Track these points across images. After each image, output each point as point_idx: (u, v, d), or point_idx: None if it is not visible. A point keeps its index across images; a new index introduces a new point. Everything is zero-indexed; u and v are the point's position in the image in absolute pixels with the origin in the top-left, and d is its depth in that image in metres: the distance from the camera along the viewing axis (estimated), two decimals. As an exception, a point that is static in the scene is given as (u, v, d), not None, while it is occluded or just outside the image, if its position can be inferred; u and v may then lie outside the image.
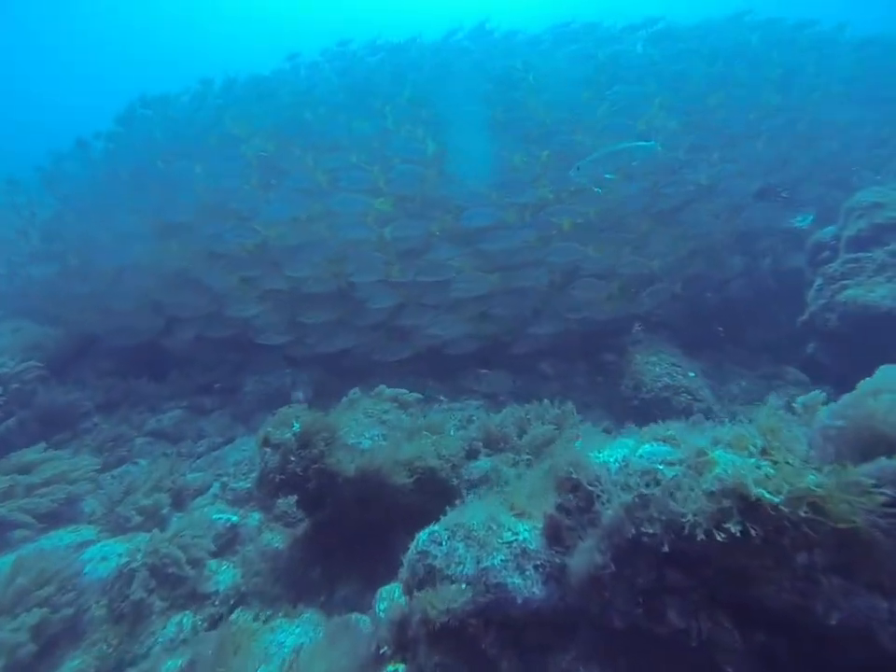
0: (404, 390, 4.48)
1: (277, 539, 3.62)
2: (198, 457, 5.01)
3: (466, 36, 8.73)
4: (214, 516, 3.61)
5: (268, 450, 3.21)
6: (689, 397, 4.98)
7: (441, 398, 5.73)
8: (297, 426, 3.20)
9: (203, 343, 6.75)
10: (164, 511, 3.73)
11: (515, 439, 4.00)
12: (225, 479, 4.36)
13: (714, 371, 6.47)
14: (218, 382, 6.43)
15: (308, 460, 3.05)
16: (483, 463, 3.53)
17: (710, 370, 6.45)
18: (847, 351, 5.06)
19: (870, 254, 4.83)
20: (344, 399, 4.40)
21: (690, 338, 6.69)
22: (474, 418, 5.24)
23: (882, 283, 4.60)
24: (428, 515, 2.30)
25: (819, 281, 5.32)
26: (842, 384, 5.05)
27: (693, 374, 5.23)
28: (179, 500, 3.94)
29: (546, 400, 4.79)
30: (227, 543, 3.46)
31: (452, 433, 3.70)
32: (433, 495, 3.19)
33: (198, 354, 6.97)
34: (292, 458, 3.06)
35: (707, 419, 5.10)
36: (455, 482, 3.28)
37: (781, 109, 7.22)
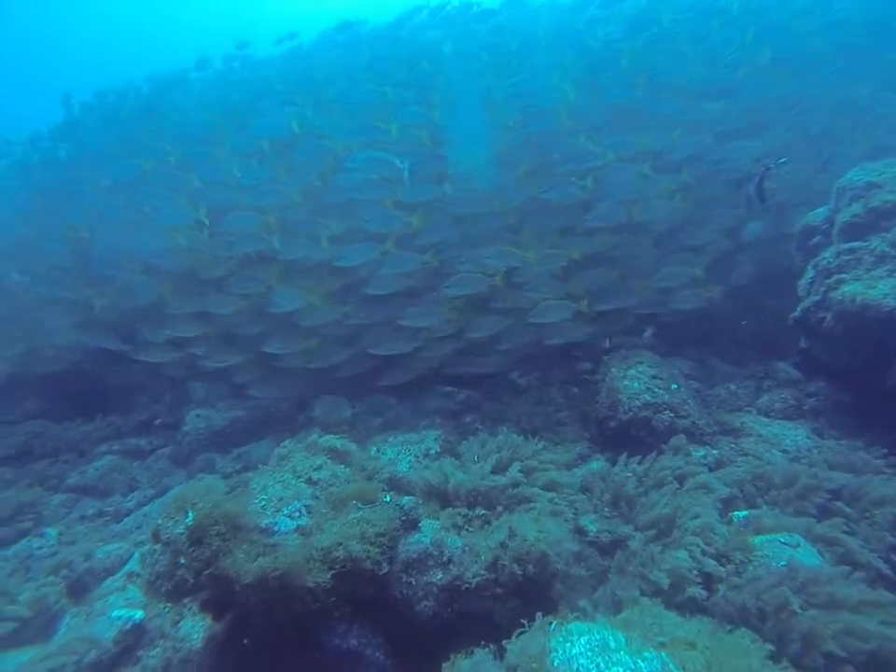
0: (340, 440, 3.90)
1: (195, 632, 3.10)
2: (126, 515, 4.45)
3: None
4: (114, 613, 3.07)
5: (158, 547, 2.65)
6: (671, 414, 4.42)
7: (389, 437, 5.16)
8: (190, 516, 2.62)
9: (147, 370, 6.16)
10: (56, 607, 3.17)
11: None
12: (146, 548, 3.81)
13: (699, 370, 5.92)
14: (159, 417, 5.85)
15: (200, 562, 2.48)
16: (424, 536, 2.98)
17: (695, 369, 5.91)
18: (845, 347, 4.52)
19: (867, 243, 4.22)
20: (276, 451, 3.84)
21: (676, 336, 6.16)
22: (432, 452, 4.69)
23: (883, 277, 4.00)
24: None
25: (810, 273, 4.72)
26: (841, 379, 4.50)
27: (675, 386, 4.66)
28: (81, 587, 3.39)
29: (514, 435, 4.25)
30: (127, 649, 2.92)
31: (387, 499, 3.13)
32: (358, 584, 2.66)
33: (143, 384, 6.39)
34: (182, 561, 2.50)
35: (691, 438, 4.68)
36: (386, 567, 2.73)
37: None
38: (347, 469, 3.74)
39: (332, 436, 4.06)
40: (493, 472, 3.70)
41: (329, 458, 3.75)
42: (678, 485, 3.73)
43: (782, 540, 2.75)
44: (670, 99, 6.30)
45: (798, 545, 2.72)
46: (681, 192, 5.44)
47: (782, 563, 2.58)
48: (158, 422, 5.69)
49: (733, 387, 5.27)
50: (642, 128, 5.90)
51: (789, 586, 2.37)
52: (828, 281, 4.35)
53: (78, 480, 4.68)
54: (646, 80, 6.42)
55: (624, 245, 5.42)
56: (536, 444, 4.23)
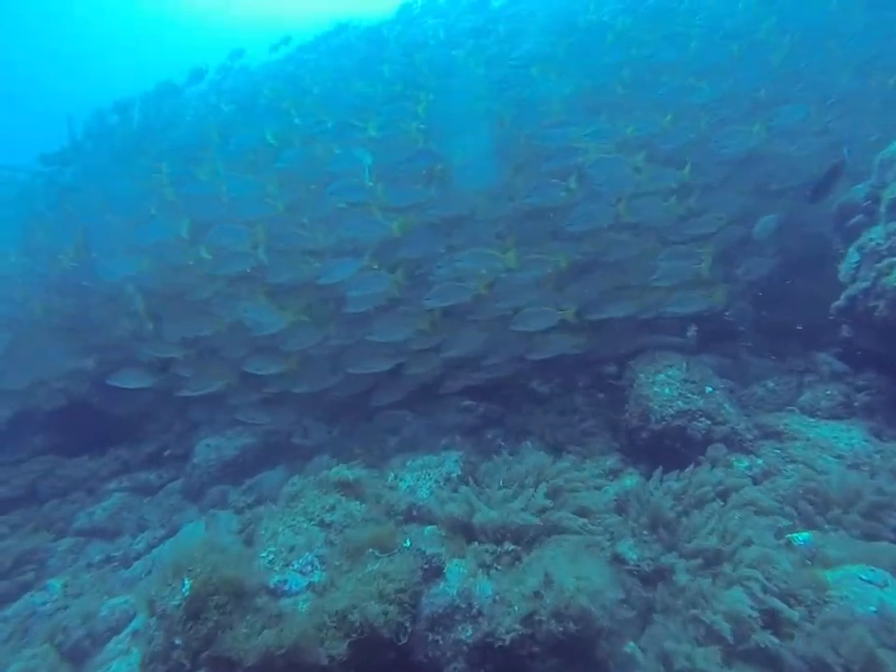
0: (352, 470, 3.60)
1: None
2: (136, 558, 4.23)
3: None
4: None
5: (153, 621, 2.38)
6: (707, 421, 4.05)
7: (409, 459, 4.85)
8: (187, 585, 2.35)
9: (155, 398, 5.95)
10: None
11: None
12: (142, 618, 3.57)
13: (731, 367, 5.50)
14: (169, 447, 5.63)
15: (197, 641, 2.20)
16: (450, 585, 2.68)
17: (727, 366, 5.49)
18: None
19: (921, 221, 3.80)
20: (285, 490, 3.57)
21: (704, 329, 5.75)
22: (453, 475, 4.38)
23: (942, 259, 3.58)
24: None
25: (854, 257, 4.29)
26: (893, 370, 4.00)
27: (710, 389, 4.28)
28: (80, 653, 3.14)
29: (539, 454, 3.92)
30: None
31: (407, 544, 2.83)
32: (378, 651, 2.36)
33: (151, 412, 6.19)
34: (178, 641, 2.22)
35: (731, 446, 4.29)
36: (408, 630, 2.43)
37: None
38: (363, 506, 3.45)
39: (344, 466, 3.79)
40: (518, 498, 3.40)
41: (342, 494, 3.46)
42: (721, 503, 3.38)
43: (864, 577, 2.37)
44: (661, 79, 5.68)
45: (886, 584, 2.33)
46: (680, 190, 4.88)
47: (871, 608, 2.21)
48: (167, 453, 5.47)
49: (770, 384, 4.86)
50: (631, 112, 5.33)
51: (882, 640, 2.01)
52: (878, 265, 3.92)
53: (86, 522, 4.47)
54: (635, 58, 5.85)
55: (618, 247, 4.84)
56: (562, 462, 3.91)
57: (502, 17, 7.15)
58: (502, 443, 4.98)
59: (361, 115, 5.18)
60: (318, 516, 3.16)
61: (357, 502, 3.45)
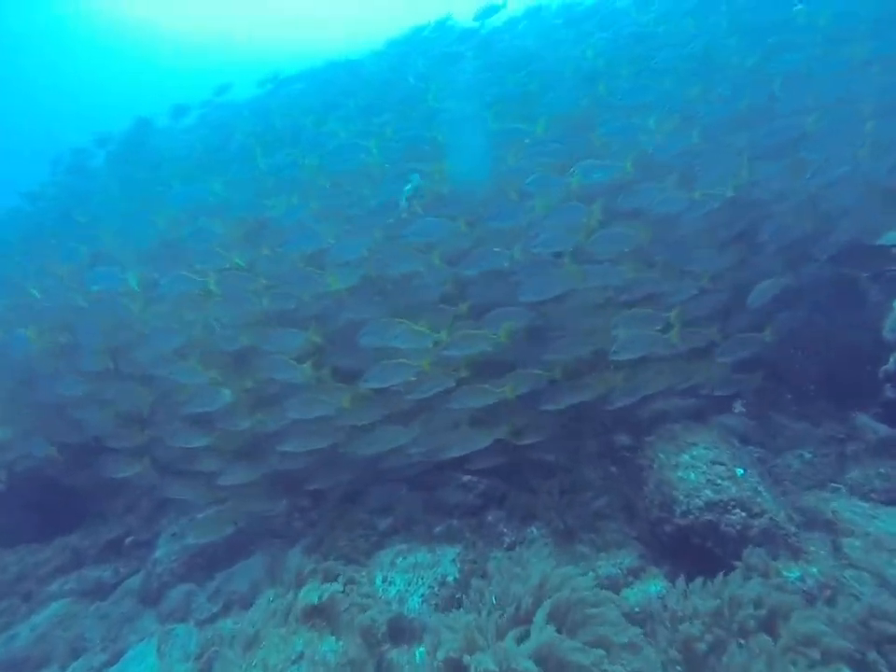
0: (326, 588, 3.00)
1: None
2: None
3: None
4: None
5: None
6: (742, 514, 3.44)
7: (402, 545, 4.23)
8: None
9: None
10: None
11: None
12: None
13: (759, 429, 4.91)
14: (133, 532, 5.01)
15: None
16: None
17: (753, 429, 4.90)
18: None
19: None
20: (242, 629, 2.96)
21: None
22: (449, 579, 3.76)
23: None
24: None
25: (899, 312, 3.76)
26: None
27: (741, 471, 3.69)
28: None
29: (545, 565, 3.32)
30: None
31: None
32: None
33: (118, 482, 5.59)
34: None
35: (772, 542, 3.65)
36: None
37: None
38: (339, 643, 2.84)
39: (316, 585, 3.19)
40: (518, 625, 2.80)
41: (311, 629, 2.86)
42: (767, 636, 2.76)
43: None
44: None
45: None
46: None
47: None
48: (129, 540, 4.85)
49: (807, 455, 4.26)
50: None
51: None
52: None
53: (2, 653, 3.75)
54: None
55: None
56: (572, 569, 3.32)
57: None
58: (505, 530, 4.38)
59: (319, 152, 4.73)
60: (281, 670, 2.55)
61: (332, 638, 2.84)
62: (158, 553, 4.44)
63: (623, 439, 4.81)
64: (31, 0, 18.45)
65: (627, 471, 4.49)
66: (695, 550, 3.49)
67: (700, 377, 4.25)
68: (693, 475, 3.65)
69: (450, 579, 3.73)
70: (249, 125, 5.63)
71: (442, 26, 6.24)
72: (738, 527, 3.41)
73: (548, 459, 5.06)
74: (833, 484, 3.92)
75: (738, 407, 4.98)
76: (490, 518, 4.51)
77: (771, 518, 3.46)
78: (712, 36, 5.25)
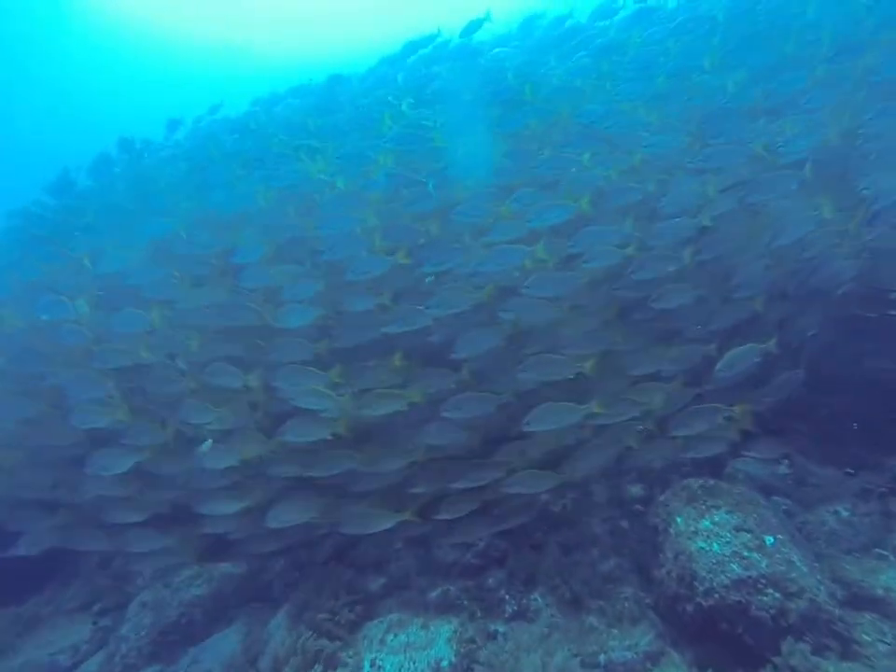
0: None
1: None
2: None
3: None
4: None
5: None
6: (776, 595, 2.94)
7: (393, 615, 3.77)
8: None
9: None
10: None
11: None
12: None
13: (784, 476, 4.42)
14: (101, 598, 4.56)
15: None
16: None
17: (779, 477, 4.40)
18: None
19: None
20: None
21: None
22: (444, 665, 3.29)
23: None
24: None
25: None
26: None
27: (771, 540, 3.20)
28: None
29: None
30: None
31: None
32: None
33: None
34: None
35: (814, 630, 2.93)
36: None
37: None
38: None
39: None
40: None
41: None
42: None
43: None
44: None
45: None
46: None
47: None
48: (97, 608, 4.40)
49: (843, 512, 3.75)
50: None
51: None
52: None
53: None
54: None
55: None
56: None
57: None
58: (506, 596, 3.90)
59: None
60: None
61: None
62: (124, 629, 3.99)
63: (634, 489, 4.33)
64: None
65: (640, 529, 4.01)
66: (723, 636, 2.99)
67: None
68: (716, 546, 3.16)
69: (444, 664, 3.26)
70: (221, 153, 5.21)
71: (431, 42, 5.91)
72: (773, 612, 2.91)
73: (553, 509, 4.61)
74: (878, 550, 3.41)
75: (783, 467, 4.50)
76: (490, 581, 4.03)
77: (811, 599, 2.94)
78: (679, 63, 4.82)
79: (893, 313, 4.27)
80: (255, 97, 7.77)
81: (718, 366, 3.41)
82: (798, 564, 3.11)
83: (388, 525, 3.52)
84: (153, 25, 19.30)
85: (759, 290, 3.78)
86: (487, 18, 5.73)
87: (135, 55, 20.53)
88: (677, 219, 3.73)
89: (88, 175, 6.29)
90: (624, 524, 4.18)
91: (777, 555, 3.11)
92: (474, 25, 5.78)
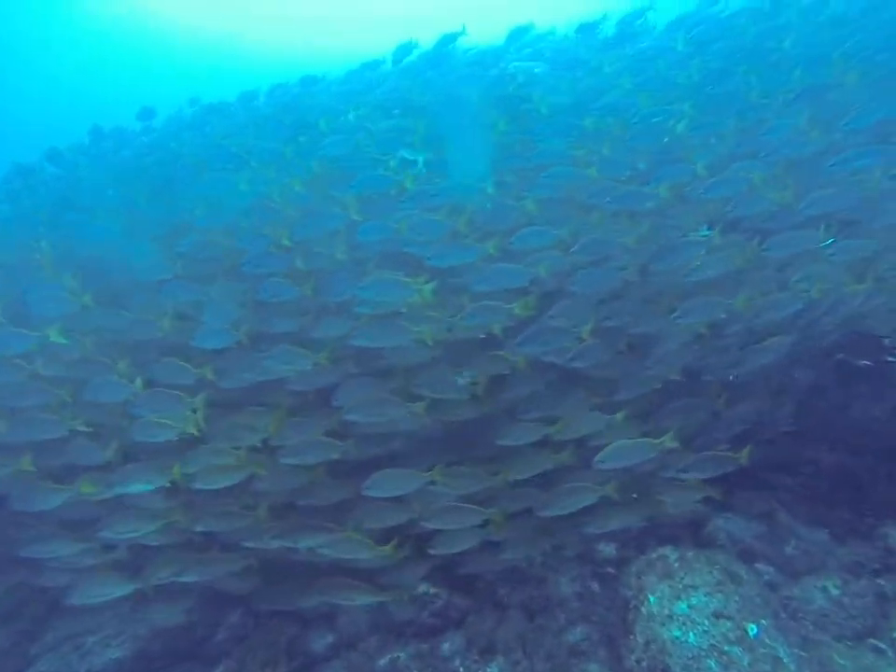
0: None
1: None
2: None
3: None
4: None
5: None
6: (759, 700, 2.54)
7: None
8: None
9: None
10: None
11: None
12: None
13: (766, 536, 3.98)
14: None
15: None
16: None
17: (760, 536, 3.97)
18: None
19: None
20: None
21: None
22: None
23: None
24: None
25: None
26: None
27: (754, 629, 2.79)
28: None
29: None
30: None
31: None
32: None
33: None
34: None
35: None
36: None
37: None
38: None
39: None
40: None
41: None
42: None
43: None
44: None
45: None
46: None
47: None
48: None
49: (833, 589, 3.33)
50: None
51: None
52: None
53: None
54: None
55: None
56: None
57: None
58: (461, 669, 3.47)
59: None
60: None
61: None
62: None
63: (607, 549, 3.91)
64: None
65: (610, 595, 3.58)
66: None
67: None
68: (692, 636, 2.74)
69: None
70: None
71: (407, 51, 5.55)
72: (753, 720, 2.50)
73: (520, 564, 4.18)
74: (873, 642, 2.99)
75: (742, 505, 4.11)
76: (446, 648, 3.59)
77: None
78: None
79: (891, 359, 3.88)
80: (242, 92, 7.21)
81: (598, 455, 3.03)
82: (785, 660, 2.70)
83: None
84: (152, 16, 18.76)
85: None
86: (462, 32, 5.42)
87: (133, 44, 19.92)
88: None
89: (48, 161, 5.81)
90: (595, 586, 3.75)
91: (762, 650, 2.70)
92: (448, 38, 5.44)
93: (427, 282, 3.07)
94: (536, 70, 4.95)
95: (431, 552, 3.43)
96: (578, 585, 3.79)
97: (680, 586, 2.96)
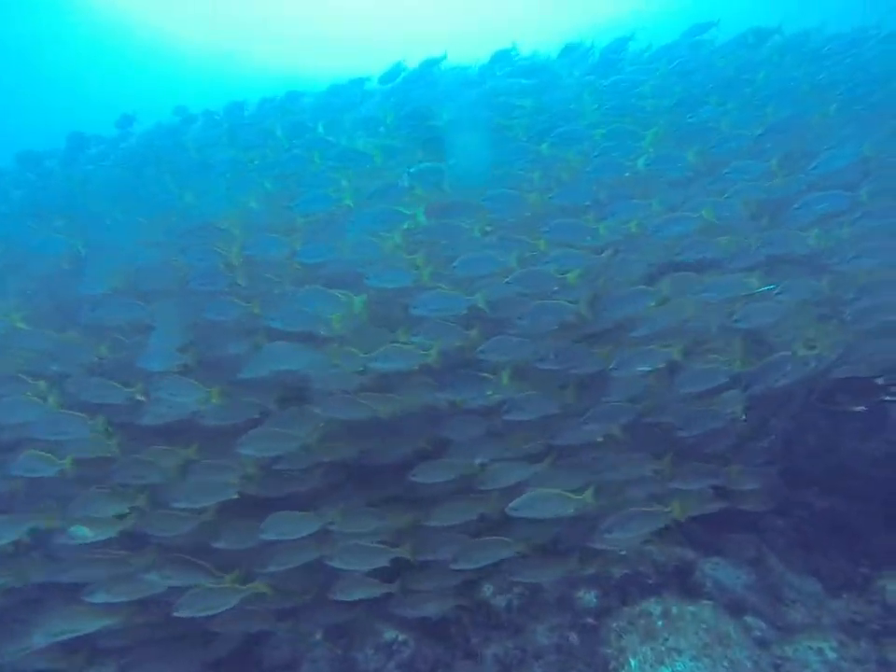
0: None
1: None
2: None
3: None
4: None
5: None
6: None
7: None
8: None
9: None
10: None
11: None
12: None
13: (757, 586, 3.71)
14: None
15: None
16: None
17: (750, 585, 3.69)
18: None
19: None
20: None
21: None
22: None
23: None
24: None
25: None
26: None
27: (744, 701, 2.51)
28: None
29: None
30: None
31: None
32: None
33: None
34: None
35: None
36: None
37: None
38: None
39: None
40: None
41: None
42: None
43: None
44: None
45: None
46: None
47: None
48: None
49: (829, 652, 3.03)
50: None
51: None
52: None
53: None
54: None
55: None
56: None
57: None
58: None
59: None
60: None
61: None
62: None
63: (587, 597, 3.62)
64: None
65: (590, 652, 3.29)
66: None
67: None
68: (677, 710, 2.47)
69: None
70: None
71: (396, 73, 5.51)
72: None
73: (496, 604, 3.88)
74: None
75: (731, 550, 3.85)
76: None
77: None
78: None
79: (888, 398, 3.67)
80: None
81: (512, 503, 2.88)
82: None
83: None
84: (150, 27, 18.86)
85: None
86: (443, 57, 5.44)
87: (131, 54, 19.97)
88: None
89: (18, 164, 5.60)
90: (574, 638, 3.44)
91: (752, 727, 2.42)
92: (430, 62, 5.47)
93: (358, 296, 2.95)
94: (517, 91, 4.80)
95: (331, 597, 3.18)
96: (556, 636, 3.50)
97: (664, 649, 2.69)
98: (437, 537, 3.17)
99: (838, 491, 3.94)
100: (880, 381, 3.93)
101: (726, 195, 3.61)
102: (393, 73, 5.59)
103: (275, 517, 2.80)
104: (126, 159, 5.08)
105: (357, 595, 3.11)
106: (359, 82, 5.53)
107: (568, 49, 5.43)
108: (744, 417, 3.49)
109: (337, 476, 3.25)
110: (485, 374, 2.97)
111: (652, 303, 3.07)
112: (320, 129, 4.19)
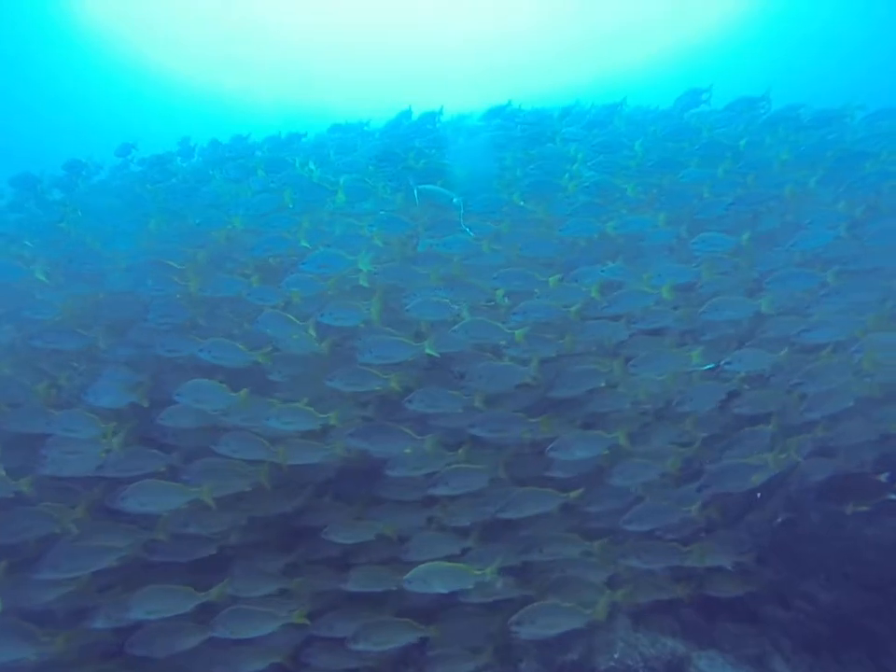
0: None
1: None
2: None
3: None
4: None
5: None
6: None
7: None
8: None
9: None
10: None
11: None
12: None
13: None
14: None
15: None
16: None
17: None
18: None
19: None
20: None
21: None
22: None
23: None
24: None
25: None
26: None
27: None
28: None
29: None
30: None
31: None
32: None
33: None
34: None
35: None
36: None
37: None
38: None
39: None
40: None
41: None
42: None
43: None
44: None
45: None
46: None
47: None
48: None
49: None
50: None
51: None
52: None
53: None
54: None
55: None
56: None
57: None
58: None
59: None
60: None
61: None
62: None
63: (570, 656, 3.17)
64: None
65: None
66: None
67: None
68: None
69: None
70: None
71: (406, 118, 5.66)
72: None
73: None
74: None
75: (728, 643, 3.44)
76: None
77: None
78: None
79: (893, 497, 3.36)
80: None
81: (408, 575, 2.67)
82: None
83: None
84: (159, 65, 19.54)
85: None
86: (440, 112, 5.58)
87: (139, 86, 20.66)
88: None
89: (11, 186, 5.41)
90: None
91: None
92: (430, 116, 5.62)
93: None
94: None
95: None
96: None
97: None
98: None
99: (845, 583, 3.55)
100: (883, 477, 3.64)
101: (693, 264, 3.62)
102: (399, 120, 5.71)
103: (149, 590, 2.43)
104: (119, 188, 4.99)
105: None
106: (360, 125, 5.62)
107: (566, 112, 5.58)
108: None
109: (255, 535, 2.93)
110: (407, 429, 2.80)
111: (602, 384, 3.04)
112: (297, 165, 4.10)
